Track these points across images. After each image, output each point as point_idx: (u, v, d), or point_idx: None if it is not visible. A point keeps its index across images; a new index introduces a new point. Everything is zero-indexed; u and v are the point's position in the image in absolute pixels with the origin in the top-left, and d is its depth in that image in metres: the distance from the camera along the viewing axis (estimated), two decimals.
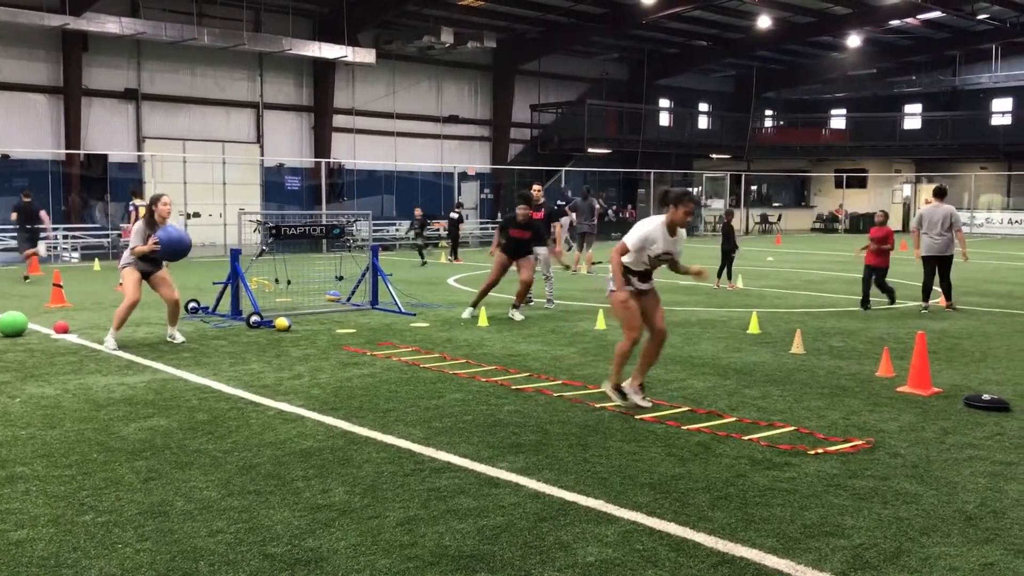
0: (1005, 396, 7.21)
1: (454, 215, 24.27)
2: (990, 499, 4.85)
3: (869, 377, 8.10)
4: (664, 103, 43.00)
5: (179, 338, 9.87)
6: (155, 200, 9.67)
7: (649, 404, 6.90)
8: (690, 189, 7.09)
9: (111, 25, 24.63)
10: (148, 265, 9.65)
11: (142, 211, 15.77)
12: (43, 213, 18.39)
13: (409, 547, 4.16)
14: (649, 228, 6.77)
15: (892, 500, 4.83)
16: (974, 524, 4.49)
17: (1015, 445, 5.89)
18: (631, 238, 6.77)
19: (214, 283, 12.83)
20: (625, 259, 6.79)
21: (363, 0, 28.92)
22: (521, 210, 11.82)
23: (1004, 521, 4.53)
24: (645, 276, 6.94)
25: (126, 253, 9.71)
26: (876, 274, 13.27)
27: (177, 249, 9.76)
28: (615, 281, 6.76)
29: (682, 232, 6.89)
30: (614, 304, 6.84)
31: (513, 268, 11.98)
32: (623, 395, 6.87)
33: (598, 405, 6.95)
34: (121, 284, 10.53)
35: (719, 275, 16.01)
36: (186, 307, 12.23)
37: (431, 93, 34.66)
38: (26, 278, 16.89)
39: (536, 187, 13.64)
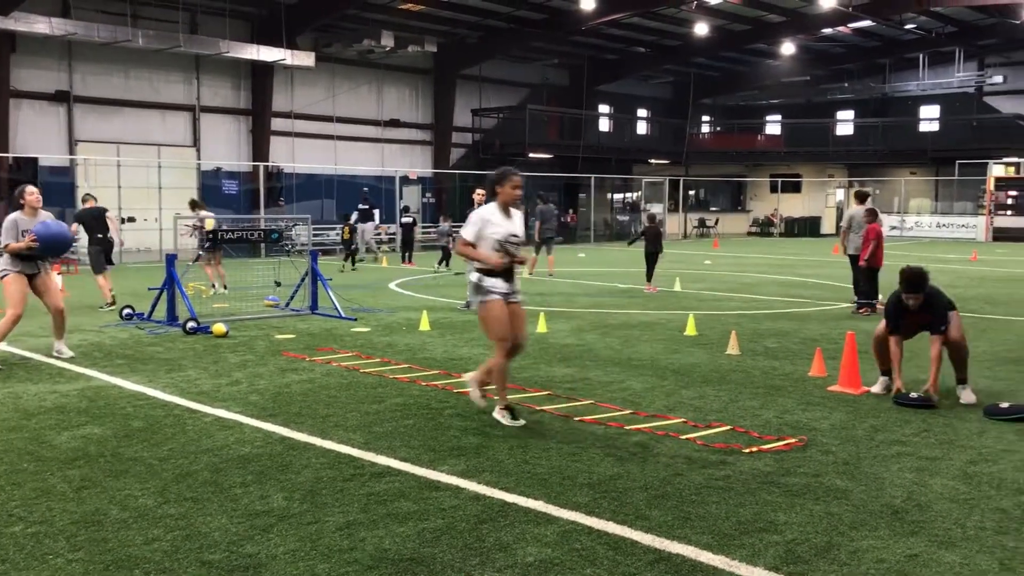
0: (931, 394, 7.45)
1: (407, 219, 24.59)
2: (916, 493, 5.01)
3: (802, 377, 8.29)
4: (604, 109, 43.38)
5: (67, 352, 9.18)
6: (20, 194, 8.96)
7: (484, 404, 6.61)
8: (512, 168, 6.84)
9: (40, 25, 24.03)
10: (29, 266, 8.85)
11: (209, 223, 13.08)
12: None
13: (348, 551, 4.16)
14: (480, 211, 6.51)
15: (823, 496, 4.96)
16: (900, 517, 4.63)
17: (940, 441, 6.09)
18: (466, 229, 6.43)
19: (149, 288, 12.60)
20: (478, 263, 6.42)
21: (302, 3, 28.67)
22: None
23: (928, 514, 4.68)
24: (507, 276, 6.45)
25: (4, 259, 8.88)
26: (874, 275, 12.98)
27: (57, 244, 9.07)
28: (476, 271, 6.43)
29: (517, 213, 6.57)
30: (482, 314, 6.47)
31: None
32: (515, 415, 6.45)
33: (538, 407, 7.00)
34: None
35: (648, 279, 16.26)
36: (120, 313, 12.02)
37: (371, 97, 34.49)
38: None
39: (479, 192, 13.67)
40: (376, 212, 23.34)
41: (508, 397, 6.64)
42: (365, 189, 26.34)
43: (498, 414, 6.51)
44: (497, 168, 6.73)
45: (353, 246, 22.29)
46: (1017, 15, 33.73)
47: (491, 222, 6.38)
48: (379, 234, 28.04)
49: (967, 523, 4.55)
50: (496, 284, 6.38)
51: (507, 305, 6.42)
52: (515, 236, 6.44)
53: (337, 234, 26.58)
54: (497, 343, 6.43)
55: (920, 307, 7.39)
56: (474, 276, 6.47)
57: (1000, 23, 36.17)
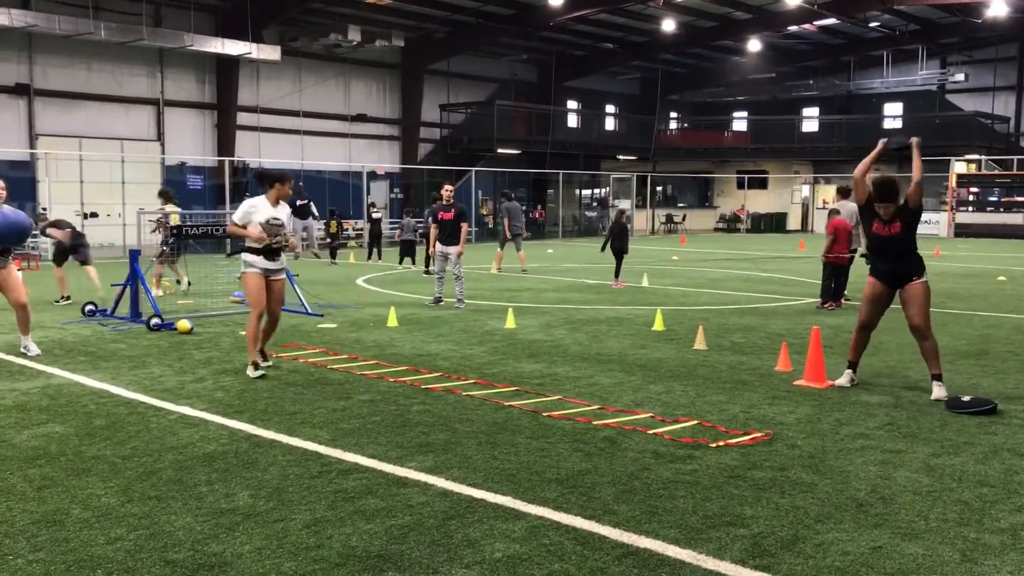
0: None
1: (376, 215, 24.68)
2: (880, 486, 5.07)
3: (768, 371, 8.35)
4: (572, 105, 43.42)
5: (34, 350, 8.95)
6: None
7: (270, 364, 8.23)
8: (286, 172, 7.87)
9: None
10: None
11: (173, 218, 13.52)
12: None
13: (315, 549, 4.12)
14: (251, 200, 8.04)
15: (789, 490, 5.00)
16: (865, 510, 4.68)
17: (904, 434, 6.17)
18: (237, 214, 7.95)
19: (112, 285, 12.44)
20: (249, 242, 7.90)
21: None
22: None
23: (892, 506, 4.74)
24: (270, 254, 7.94)
25: None
26: (842, 271, 13.10)
27: (13, 232, 8.69)
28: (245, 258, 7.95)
29: (283, 205, 8.15)
30: (243, 282, 8.00)
31: None
32: (258, 367, 7.94)
33: (507, 403, 6.99)
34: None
35: (616, 275, 16.31)
36: (83, 310, 11.85)
37: (339, 91, 34.25)
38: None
39: (447, 187, 13.62)
40: (314, 207, 23.12)
41: (257, 352, 8.05)
42: (300, 184, 25.59)
43: (250, 369, 7.96)
44: (275, 170, 8.46)
45: (337, 241, 22.51)
46: (979, 14, 34.23)
47: (258, 209, 7.95)
48: (347, 231, 27.91)
49: (930, 515, 4.61)
50: (257, 260, 7.92)
51: (268, 281, 8.00)
52: (276, 219, 7.98)
53: (320, 229, 26.15)
54: (252, 308, 7.94)
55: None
56: (242, 254, 8.07)
57: (962, 22, 36.67)
